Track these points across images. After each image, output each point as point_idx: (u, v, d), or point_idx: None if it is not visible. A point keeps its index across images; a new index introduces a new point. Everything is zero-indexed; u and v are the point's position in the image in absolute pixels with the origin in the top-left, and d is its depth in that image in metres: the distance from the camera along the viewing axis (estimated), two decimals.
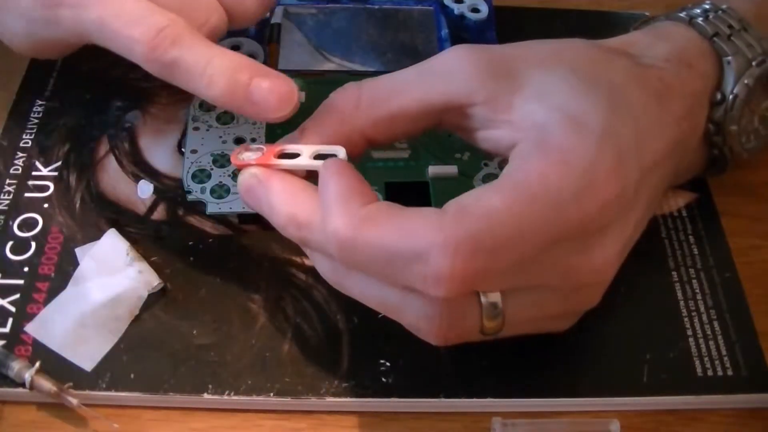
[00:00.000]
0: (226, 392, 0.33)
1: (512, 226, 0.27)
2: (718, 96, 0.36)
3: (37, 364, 0.33)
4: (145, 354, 0.34)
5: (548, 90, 0.30)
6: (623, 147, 0.29)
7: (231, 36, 0.45)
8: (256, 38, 0.45)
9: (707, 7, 0.37)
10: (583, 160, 0.28)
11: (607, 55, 0.33)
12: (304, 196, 0.30)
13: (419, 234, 0.27)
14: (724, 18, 0.36)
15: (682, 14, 0.37)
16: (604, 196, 0.28)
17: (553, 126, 0.29)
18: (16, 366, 0.33)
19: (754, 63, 0.36)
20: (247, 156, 0.32)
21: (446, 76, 0.32)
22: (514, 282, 0.29)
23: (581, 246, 0.29)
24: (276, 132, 0.41)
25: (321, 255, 0.31)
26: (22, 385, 0.32)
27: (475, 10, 0.47)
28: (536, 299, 0.30)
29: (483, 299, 0.29)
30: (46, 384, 0.32)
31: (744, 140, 0.37)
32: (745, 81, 0.35)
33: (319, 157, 0.31)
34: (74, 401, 0.32)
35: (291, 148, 0.32)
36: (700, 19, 0.36)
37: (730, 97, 0.35)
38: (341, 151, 0.31)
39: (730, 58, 0.36)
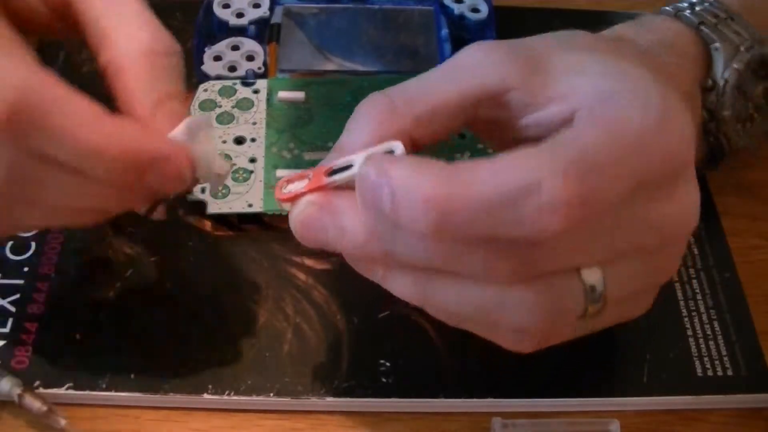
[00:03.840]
0: (226, 392, 0.33)
1: (608, 153, 0.26)
2: (709, 82, 0.36)
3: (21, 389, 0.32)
4: (145, 354, 0.34)
5: (579, 64, 0.30)
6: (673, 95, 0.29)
7: (231, 36, 0.45)
8: (256, 38, 0.45)
9: (694, 0, 0.38)
10: (655, 101, 0.28)
11: (610, 42, 0.33)
12: None
13: (523, 167, 0.25)
14: (710, 9, 0.37)
15: (668, 8, 0.38)
16: (681, 132, 0.28)
17: (606, 87, 0.28)
18: (6, 386, 0.32)
19: (742, 48, 0.36)
20: (294, 187, 0.29)
21: (475, 67, 0.31)
22: (614, 241, 0.28)
23: (666, 191, 0.28)
24: (275, 128, 0.41)
25: (401, 271, 0.28)
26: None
27: (475, 10, 0.47)
28: (631, 270, 0.29)
29: (584, 276, 0.28)
30: (36, 404, 0.32)
31: (740, 128, 0.37)
32: (735, 66, 0.36)
33: None
34: (63, 422, 0.32)
35: (340, 162, 0.28)
36: (687, 12, 0.37)
37: (721, 82, 0.36)
38: (398, 146, 0.28)
39: (717, 44, 0.36)
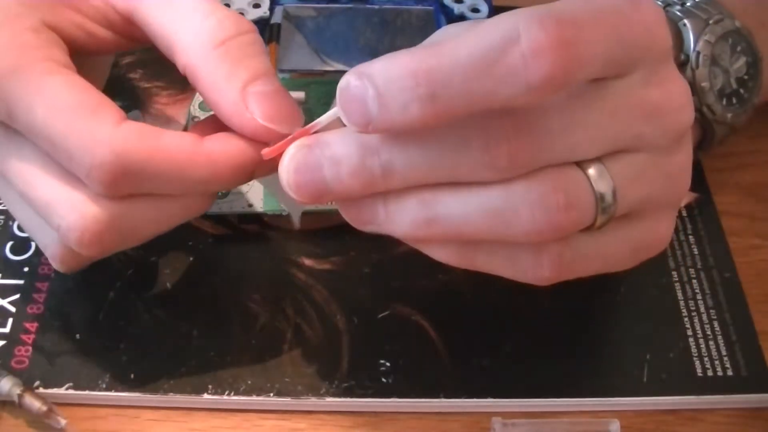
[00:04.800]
0: (226, 392, 0.33)
1: (583, 10, 0.26)
2: (682, 57, 0.38)
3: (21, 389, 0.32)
4: (145, 354, 0.34)
5: None
6: None
7: None
8: None
9: None
10: None
11: None
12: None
13: (500, 24, 0.25)
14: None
15: None
16: (655, 12, 0.27)
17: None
18: (6, 386, 0.32)
19: (711, 21, 0.38)
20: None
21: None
22: (609, 125, 0.27)
23: (652, 76, 0.28)
24: None
25: (403, 197, 0.28)
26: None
27: (475, 10, 0.47)
28: (637, 168, 0.28)
29: (589, 173, 0.27)
30: (36, 404, 0.32)
31: (725, 102, 0.38)
32: (705, 38, 0.38)
33: None
34: (62, 422, 0.32)
35: (320, 119, 0.28)
36: (658, 3, 0.39)
37: (693, 55, 0.37)
38: None
39: (685, 20, 0.38)
